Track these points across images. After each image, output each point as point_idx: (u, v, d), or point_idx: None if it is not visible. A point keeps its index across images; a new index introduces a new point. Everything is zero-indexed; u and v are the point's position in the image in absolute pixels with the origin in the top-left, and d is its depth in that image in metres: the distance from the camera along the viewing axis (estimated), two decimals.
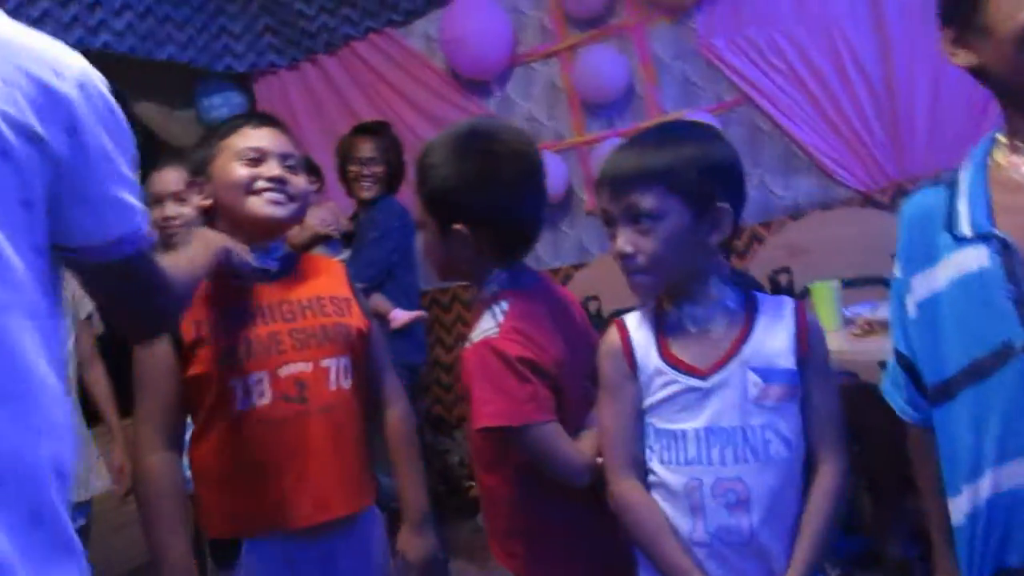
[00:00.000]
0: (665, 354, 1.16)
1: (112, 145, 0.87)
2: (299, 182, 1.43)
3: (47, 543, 0.80)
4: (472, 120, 1.39)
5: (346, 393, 1.43)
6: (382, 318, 2.66)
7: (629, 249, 1.13)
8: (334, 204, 3.11)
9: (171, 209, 2.02)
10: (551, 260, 3.47)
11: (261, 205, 1.37)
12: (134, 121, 3.28)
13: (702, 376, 1.13)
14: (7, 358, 0.78)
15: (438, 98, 3.53)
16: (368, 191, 2.85)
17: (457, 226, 1.24)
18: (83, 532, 2.29)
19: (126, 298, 0.98)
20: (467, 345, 1.25)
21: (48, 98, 0.81)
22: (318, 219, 2.89)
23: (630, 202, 1.13)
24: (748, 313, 1.16)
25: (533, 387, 1.18)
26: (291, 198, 1.40)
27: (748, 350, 1.12)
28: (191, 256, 1.22)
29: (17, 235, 0.79)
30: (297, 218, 1.45)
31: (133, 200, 0.90)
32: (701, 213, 1.11)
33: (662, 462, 1.15)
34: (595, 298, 3.13)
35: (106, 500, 3.26)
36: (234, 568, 1.34)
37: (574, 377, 1.26)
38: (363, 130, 2.95)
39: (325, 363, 1.39)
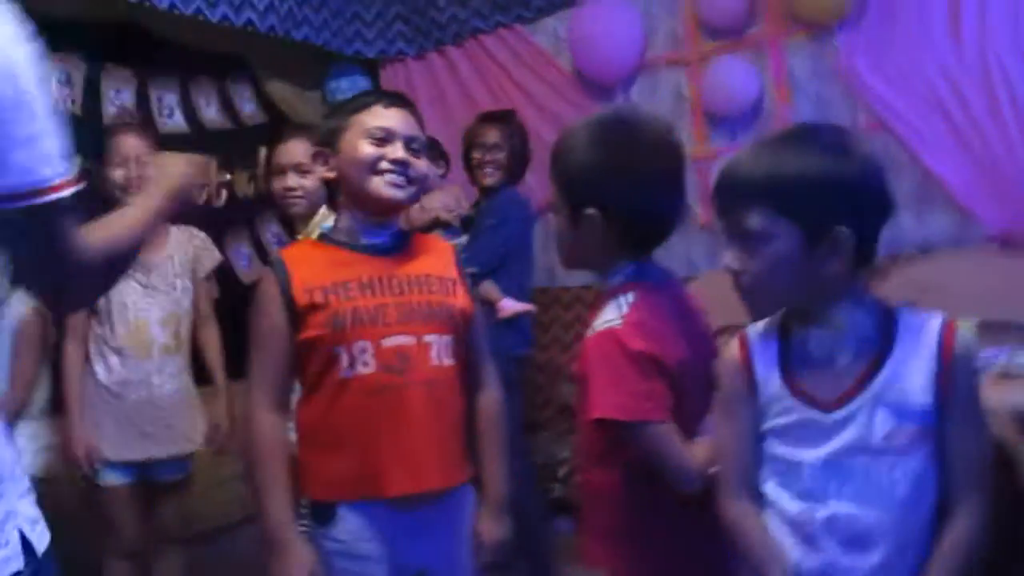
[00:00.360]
0: (787, 380, 1.09)
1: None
2: (420, 165, 1.46)
3: None
4: (616, 107, 1.38)
5: (447, 370, 1.44)
6: (491, 306, 2.64)
7: (736, 266, 1.08)
8: (458, 188, 3.10)
9: (292, 180, 2.10)
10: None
11: (382, 186, 1.41)
12: (266, 99, 3.43)
13: (825, 409, 1.05)
14: None
15: (560, 98, 3.51)
16: (490, 178, 2.83)
17: (590, 211, 1.22)
18: (183, 484, 2.38)
19: (21, 257, 0.93)
20: (589, 333, 1.23)
21: None
22: (441, 203, 2.91)
23: (736, 219, 1.07)
24: (884, 340, 1.05)
25: (652, 384, 1.16)
26: (411, 181, 1.44)
27: (878, 385, 1.03)
28: (129, 218, 1.11)
29: None
30: (414, 200, 1.50)
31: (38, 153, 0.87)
32: (815, 237, 1.01)
33: (777, 486, 1.10)
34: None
35: (207, 457, 3.41)
36: (330, 527, 1.38)
37: (694, 380, 1.22)
38: (489, 118, 2.93)
39: (427, 339, 1.42)
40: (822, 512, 1.05)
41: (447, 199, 2.96)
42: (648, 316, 1.20)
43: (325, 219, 2.00)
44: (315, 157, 1.49)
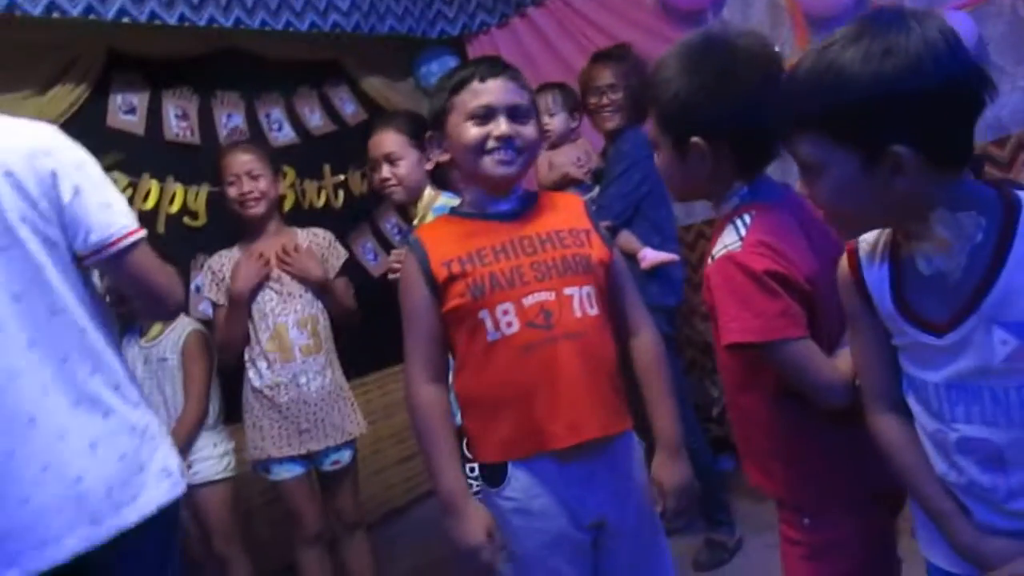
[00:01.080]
0: (898, 300, 1.00)
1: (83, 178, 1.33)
2: (528, 133, 1.45)
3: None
4: (705, 28, 1.31)
5: (594, 320, 1.44)
6: (631, 258, 2.48)
7: (805, 193, 1.02)
8: (585, 141, 2.99)
9: (385, 171, 2.17)
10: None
11: (492, 166, 1.42)
12: (363, 97, 3.51)
13: (938, 333, 0.96)
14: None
15: (649, 35, 3.40)
16: (610, 121, 2.69)
17: (694, 139, 1.19)
18: (348, 471, 2.51)
19: (126, 286, 1.48)
20: (709, 262, 1.20)
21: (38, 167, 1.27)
22: (569, 158, 2.82)
23: (791, 148, 0.99)
24: (1000, 245, 0.91)
25: (784, 302, 1.12)
26: (519, 152, 1.43)
27: (992, 301, 0.91)
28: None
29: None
30: (527, 169, 1.48)
31: (112, 211, 1.36)
32: (872, 160, 0.91)
33: (914, 401, 1.04)
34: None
35: (370, 445, 3.58)
36: (503, 487, 1.42)
37: (828, 292, 1.16)
38: (601, 56, 2.74)
39: (568, 292, 1.42)
40: (953, 433, 0.98)
41: (575, 153, 2.85)
42: (768, 234, 1.16)
43: (433, 200, 2.05)
44: (428, 141, 1.51)
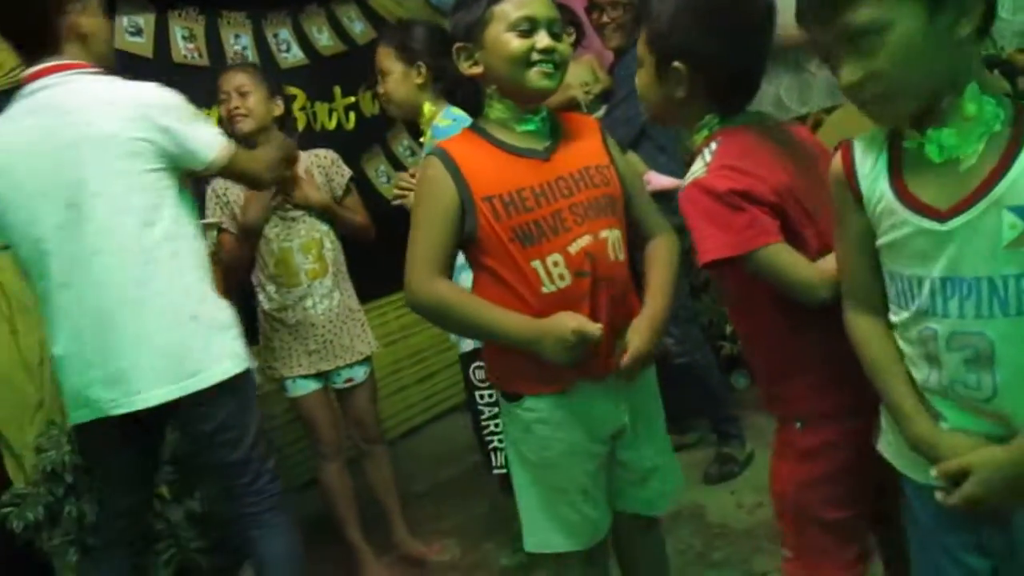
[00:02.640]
0: (898, 188, 1.00)
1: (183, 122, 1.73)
2: (565, 49, 1.44)
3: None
4: None
5: (622, 266, 1.46)
6: None
7: (858, 76, 0.96)
8: (592, 58, 2.91)
9: (380, 87, 2.15)
10: (797, 106, 3.23)
11: (536, 78, 1.40)
12: (372, 14, 3.43)
13: (939, 218, 0.96)
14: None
15: None
16: (612, 40, 2.64)
17: (675, 64, 1.23)
18: (364, 388, 2.57)
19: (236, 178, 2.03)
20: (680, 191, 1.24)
21: (150, 121, 1.67)
22: (579, 79, 2.75)
23: (843, 22, 0.95)
24: (1016, 133, 0.93)
25: (749, 214, 1.15)
26: (557, 66, 1.42)
27: (1006, 184, 0.92)
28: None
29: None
30: (560, 84, 1.47)
31: (209, 137, 1.79)
32: (938, 6, 0.91)
33: (896, 305, 1.05)
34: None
35: (387, 367, 3.65)
36: (523, 401, 1.46)
37: (806, 202, 1.20)
38: None
39: (603, 235, 1.43)
40: (943, 329, 0.98)
41: (582, 74, 2.78)
42: (733, 157, 1.19)
43: (433, 114, 2.02)
44: (458, 53, 1.47)
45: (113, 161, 1.63)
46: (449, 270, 1.45)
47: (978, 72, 0.96)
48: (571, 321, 1.34)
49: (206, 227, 2.14)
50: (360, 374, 2.55)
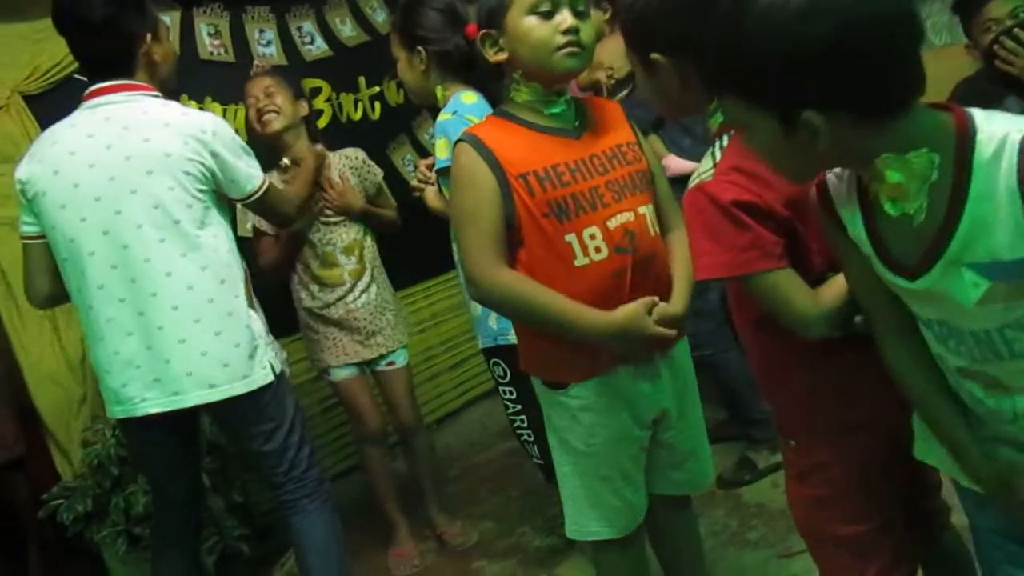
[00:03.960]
0: (873, 238, 0.94)
1: (232, 153, 1.81)
2: (590, 28, 1.41)
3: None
4: None
5: (659, 240, 1.45)
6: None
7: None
8: (620, 41, 2.88)
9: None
10: None
11: (560, 60, 1.38)
12: (392, 2, 3.40)
13: (908, 277, 0.90)
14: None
15: None
16: None
17: (653, 56, 1.16)
18: (402, 373, 2.62)
19: (265, 214, 2.11)
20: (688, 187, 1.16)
21: (203, 145, 1.76)
22: (611, 55, 2.66)
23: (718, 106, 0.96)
24: (958, 182, 0.82)
25: (752, 233, 1.06)
26: (583, 46, 1.39)
27: (958, 242, 0.83)
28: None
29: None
30: (588, 64, 1.45)
31: (251, 170, 1.86)
32: (788, 124, 0.85)
33: (921, 325, 0.98)
34: None
35: (414, 355, 3.67)
36: (568, 389, 1.45)
37: None
38: None
39: (642, 210, 1.42)
40: (952, 362, 0.95)
41: (610, 56, 2.68)
42: (744, 158, 1.07)
43: (447, 99, 1.98)
44: (483, 40, 1.45)
45: (165, 178, 1.71)
46: (506, 255, 1.41)
47: (893, 135, 0.84)
48: (640, 309, 1.34)
49: (278, 167, 2.17)
50: (401, 359, 2.62)
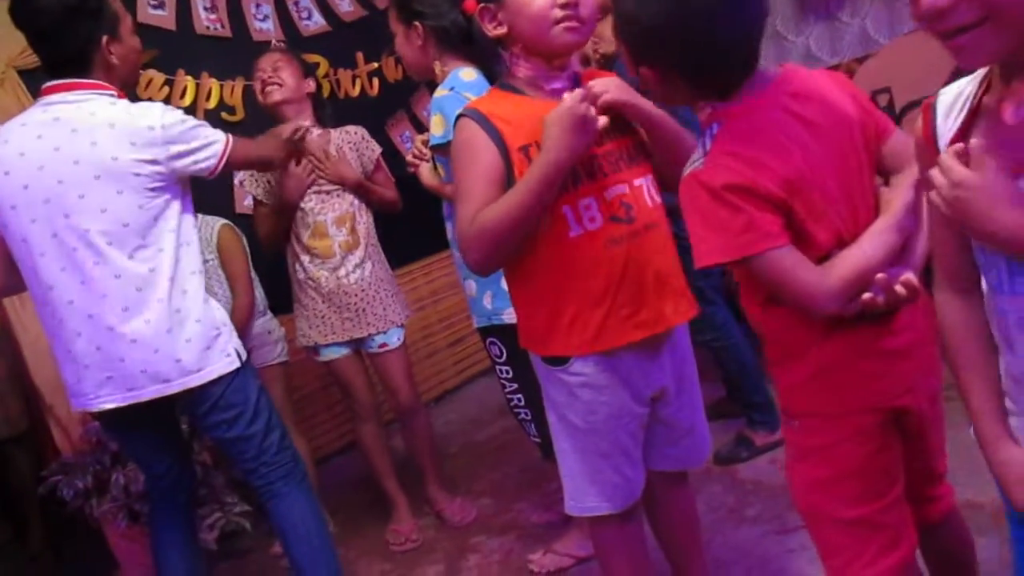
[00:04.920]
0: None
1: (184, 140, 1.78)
2: (589, 3, 1.39)
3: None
4: None
5: (661, 208, 1.45)
6: None
7: (945, 1, 0.78)
8: None
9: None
10: (828, 56, 3.17)
11: (560, 35, 1.36)
12: None
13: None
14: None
15: None
16: None
17: (642, 69, 1.15)
18: (396, 353, 2.60)
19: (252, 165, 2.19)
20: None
21: (152, 142, 1.73)
22: (608, 31, 2.68)
23: None
24: None
25: (746, 215, 1.06)
26: (583, 21, 1.37)
27: None
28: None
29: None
30: (588, 38, 1.43)
31: (208, 140, 1.82)
32: None
33: (982, 276, 0.95)
34: (885, 91, 2.80)
35: (418, 332, 3.69)
36: (568, 365, 1.44)
37: (820, 186, 1.09)
38: None
39: (637, 182, 1.41)
40: (1014, 309, 0.90)
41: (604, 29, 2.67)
42: (736, 139, 1.08)
43: (445, 75, 1.96)
44: (481, 14, 1.43)
45: (112, 182, 1.70)
46: None
47: None
48: (565, 100, 1.30)
49: (295, 129, 2.13)
50: (394, 339, 2.59)
